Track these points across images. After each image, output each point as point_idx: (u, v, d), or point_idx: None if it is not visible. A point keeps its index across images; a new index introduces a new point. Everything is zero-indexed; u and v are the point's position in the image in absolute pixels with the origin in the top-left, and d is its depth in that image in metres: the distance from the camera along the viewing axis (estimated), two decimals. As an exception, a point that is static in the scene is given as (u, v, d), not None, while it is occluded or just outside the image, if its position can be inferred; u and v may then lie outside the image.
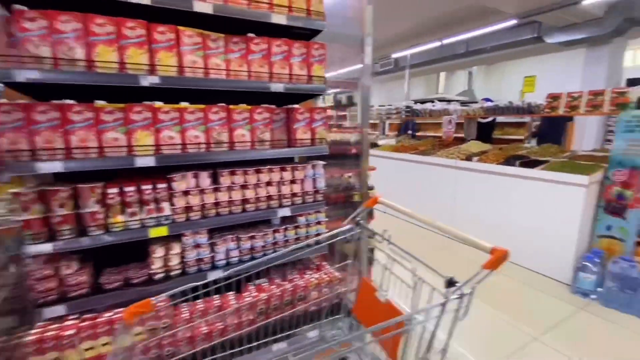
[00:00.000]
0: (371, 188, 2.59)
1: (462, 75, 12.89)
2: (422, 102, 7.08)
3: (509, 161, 3.23)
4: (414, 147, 4.60)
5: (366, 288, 1.33)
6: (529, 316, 2.39)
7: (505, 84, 11.04)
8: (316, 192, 1.86)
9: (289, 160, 1.94)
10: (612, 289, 2.43)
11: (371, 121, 7.92)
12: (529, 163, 3.08)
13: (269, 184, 1.73)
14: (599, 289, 2.53)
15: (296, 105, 1.75)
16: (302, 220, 1.87)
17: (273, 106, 1.72)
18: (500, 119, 6.63)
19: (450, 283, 0.94)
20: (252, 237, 1.72)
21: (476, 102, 4.55)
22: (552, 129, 5.19)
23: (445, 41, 5.87)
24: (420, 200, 4.20)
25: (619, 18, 4.43)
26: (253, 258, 1.73)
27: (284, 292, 1.66)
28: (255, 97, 1.76)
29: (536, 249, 3.00)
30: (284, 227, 1.83)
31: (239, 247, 1.69)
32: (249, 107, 1.63)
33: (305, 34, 1.78)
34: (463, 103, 5.54)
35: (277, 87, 1.64)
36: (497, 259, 0.88)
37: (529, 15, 4.53)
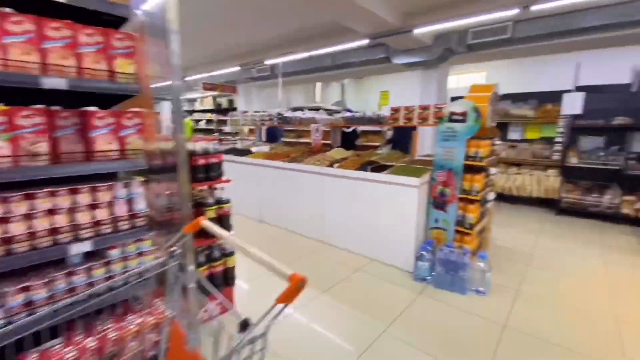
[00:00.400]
0: (225, 202, 2.35)
1: (337, 86, 14.04)
2: (298, 109, 7.30)
3: (363, 167, 3.51)
4: (287, 154, 4.59)
5: (175, 334, 1.08)
6: (378, 308, 2.58)
7: (371, 96, 12.58)
8: (133, 216, 1.51)
9: (91, 178, 1.52)
10: (440, 273, 2.87)
11: (249, 127, 7.71)
12: (379, 168, 3.41)
13: (52, 212, 1.29)
14: (433, 274, 2.95)
15: (92, 108, 1.36)
16: (115, 253, 1.48)
17: (57, 108, 1.30)
18: (364, 128, 7.34)
19: (244, 325, 0.79)
20: (26, 289, 1.24)
21: (339, 112, 4.93)
22: (402, 137, 6.06)
23: (313, 53, 6.18)
24: (296, 206, 4.20)
25: (441, 47, 5.48)
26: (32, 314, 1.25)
27: (84, 352, 1.26)
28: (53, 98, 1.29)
29: (386, 243, 3.34)
30: (86, 266, 1.41)
31: (3, 306, 1.20)
32: (7, 107, 1.17)
33: (112, 21, 1.42)
34: (331, 112, 5.92)
35: (56, 82, 1.23)
36: (293, 290, 0.78)
37: (378, 37, 5.17)
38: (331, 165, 3.74)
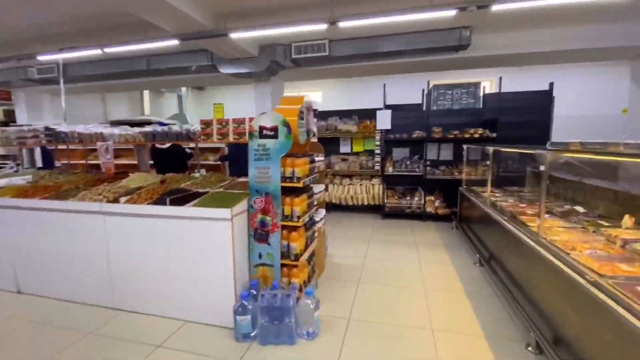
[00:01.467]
0: None
1: (173, 97, 12.35)
2: (118, 123, 5.62)
3: (161, 199, 2.62)
4: (57, 186, 3.15)
5: None
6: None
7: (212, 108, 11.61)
8: None
9: None
10: (265, 324, 2.30)
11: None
12: (181, 199, 2.60)
13: None
14: (259, 325, 2.35)
15: None
16: None
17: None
18: (204, 145, 6.33)
19: None
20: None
21: (148, 125, 3.84)
22: (238, 153, 5.43)
23: (108, 50, 4.80)
24: (71, 263, 2.85)
25: (268, 59, 5.20)
26: None
27: None
28: None
29: (200, 296, 2.55)
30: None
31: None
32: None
33: None
34: (142, 125, 4.69)
35: None
36: None
37: (190, 38, 4.40)
38: (116, 200, 2.67)
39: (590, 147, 1.93)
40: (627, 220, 2.26)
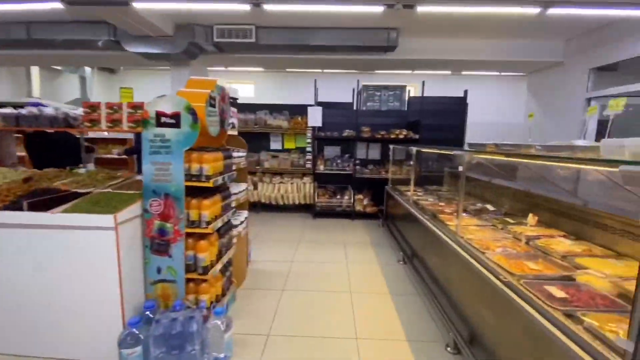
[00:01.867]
0: None
1: (75, 78, 10.46)
2: None
3: (17, 202, 1.97)
4: None
5: None
6: None
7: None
8: None
9: None
10: (160, 357, 1.87)
11: None
12: (47, 203, 1.99)
13: None
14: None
15: None
16: None
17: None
18: (104, 135, 5.40)
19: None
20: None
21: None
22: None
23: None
24: None
25: (186, 40, 4.58)
26: None
27: None
28: None
29: (77, 329, 1.99)
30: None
31: None
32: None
33: None
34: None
35: None
36: None
37: (79, 3, 3.57)
38: (-58, 205, 1.93)
39: (503, 149, 1.97)
40: (531, 219, 2.41)
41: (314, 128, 5.70)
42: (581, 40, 4.87)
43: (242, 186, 3.17)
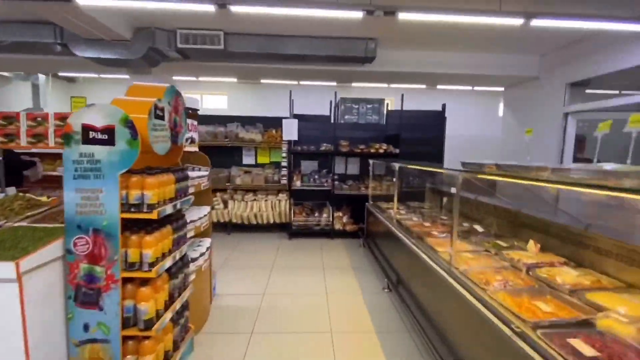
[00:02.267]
0: None
1: (27, 85, 9.54)
2: None
3: None
4: None
5: None
6: None
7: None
8: None
9: None
10: None
11: None
12: None
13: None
14: None
15: None
16: None
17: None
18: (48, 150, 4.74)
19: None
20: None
21: None
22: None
23: None
24: None
25: (145, 45, 4.13)
26: None
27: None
28: None
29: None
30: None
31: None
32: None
33: None
34: None
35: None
36: None
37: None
38: None
39: (507, 170, 1.71)
40: (532, 246, 2.16)
41: (289, 142, 5.35)
42: (556, 55, 4.91)
43: (204, 210, 2.74)
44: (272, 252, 4.65)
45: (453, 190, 3.91)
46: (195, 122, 2.60)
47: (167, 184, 1.83)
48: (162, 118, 1.83)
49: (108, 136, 1.59)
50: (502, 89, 6.65)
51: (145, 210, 1.68)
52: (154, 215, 1.67)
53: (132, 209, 1.67)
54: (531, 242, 2.17)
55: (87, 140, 1.59)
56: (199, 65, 5.02)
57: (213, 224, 5.67)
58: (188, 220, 2.39)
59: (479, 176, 1.94)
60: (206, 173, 2.69)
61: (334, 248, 4.90)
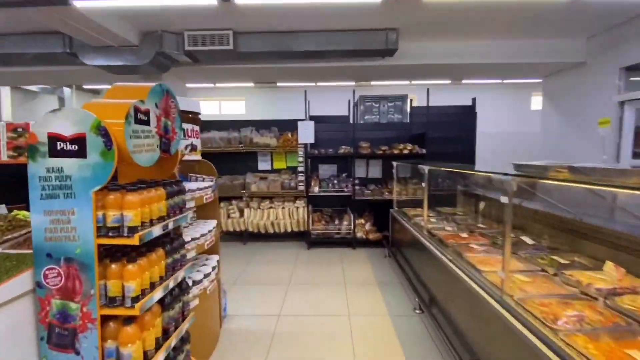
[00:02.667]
0: None
1: (53, 99, 9.85)
2: None
3: None
4: None
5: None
6: None
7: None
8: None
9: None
10: None
11: None
12: None
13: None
14: None
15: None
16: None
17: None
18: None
19: None
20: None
21: None
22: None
23: None
24: None
25: (153, 49, 3.96)
26: None
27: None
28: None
29: None
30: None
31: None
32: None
33: None
34: None
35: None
36: None
37: (9, 4, 2.95)
38: None
39: (585, 174, 1.28)
40: (612, 269, 1.69)
41: (305, 145, 5.03)
42: (606, 37, 4.29)
43: (210, 225, 2.46)
44: (290, 264, 4.33)
45: (494, 195, 3.44)
46: (197, 128, 2.33)
47: (154, 200, 1.54)
48: (146, 123, 1.55)
49: (78, 147, 1.32)
50: (538, 80, 6.03)
51: (125, 234, 1.39)
52: (134, 241, 1.38)
53: (110, 233, 1.39)
54: (609, 264, 1.71)
55: (54, 153, 1.33)
56: (211, 70, 4.82)
57: (228, 233, 5.48)
58: (189, 239, 2.12)
59: (552, 182, 1.51)
60: (210, 183, 2.41)
61: (357, 259, 4.52)
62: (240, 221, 5.27)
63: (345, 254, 4.72)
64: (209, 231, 2.45)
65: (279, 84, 10.61)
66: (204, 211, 2.60)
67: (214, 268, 2.45)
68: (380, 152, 4.87)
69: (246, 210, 5.34)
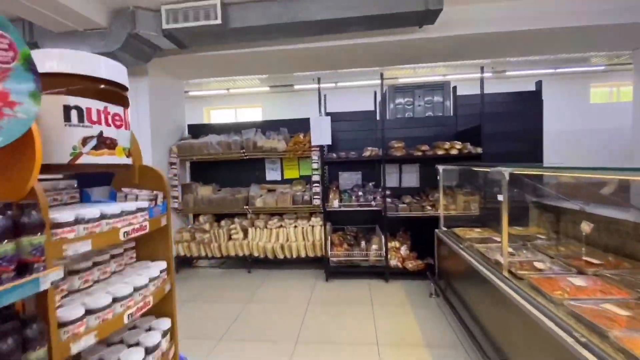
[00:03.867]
0: None
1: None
2: None
3: None
4: None
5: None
6: None
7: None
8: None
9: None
10: None
11: None
12: None
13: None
14: None
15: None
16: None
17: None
18: None
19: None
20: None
21: None
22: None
23: None
24: None
25: (124, 31, 3.13)
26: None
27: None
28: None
29: None
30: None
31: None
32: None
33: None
34: None
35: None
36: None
37: None
38: None
39: None
40: None
41: (321, 148, 4.00)
42: None
43: (154, 269, 1.45)
44: (302, 304, 3.25)
45: (603, 210, 2.24)
46: (122, 111, 1.35)
47: None
48: None
49: None
50: (599, 67, 4.66)
51: None
52: None
53: None
54: None
55: None
56: (203, 60, 3.96)
57: (230, 258, 4.49)
58: (109, 299, 1.13)
59: None
60: (145, 204, 1.41)
61: (391, 298, 3.36)
62: (244, 243, 4.29)
63: (376, 289, 3.57)
64: (152, 280, 1.45)
65: (295, 87, 9.81)
66: (144, 247, 1.62)
67: (156, 345, 1.43)
68: (419, 153, 3.72)
69: (250, 231, 4.35)
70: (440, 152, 3.65)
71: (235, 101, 11.31)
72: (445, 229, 3.34)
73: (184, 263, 4.53)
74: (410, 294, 3.42)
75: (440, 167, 3.37)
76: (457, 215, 3.46)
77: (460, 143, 3.62)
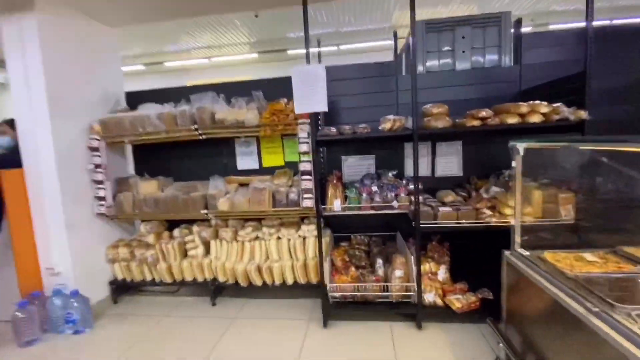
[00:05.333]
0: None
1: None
2: None
3: None
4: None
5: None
6: None
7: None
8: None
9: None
10: None
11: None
12: None
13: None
14: None
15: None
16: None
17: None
18: None
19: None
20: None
21: None
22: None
23: None
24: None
25: None
26: None
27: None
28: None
29: None
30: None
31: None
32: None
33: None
34: None
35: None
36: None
37: None
38: None
39: None
40: None
41: (311, 118, 2.52)
42: None
43: None
44: (281, 383, 1.91)
45: None
46: None
47: None
48: None
49: None
50: None
51: None
52: None
53: None
54: None
55: None
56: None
57: (187, 285, 2.81)
58: None
59: None
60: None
61: (428, 354, 2.00)
62: (204, 263, 2.93)
63: (402, 342, 2.22)
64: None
65: (289, 52, 8.34)
66: None
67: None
68: (476, 122, 2.23)
69: (213, 244, 2.99)
70: (511, 120, 2.16)
71: (222, 72, 9.91)
72: (522, 250, 1.94)
73: (125, 289, 3.21)
74: (455, 348, 2.06)
75: (521, 145, 1.89)
76: (543, 225, 2.04)
77: (547, 104, 2.12)
